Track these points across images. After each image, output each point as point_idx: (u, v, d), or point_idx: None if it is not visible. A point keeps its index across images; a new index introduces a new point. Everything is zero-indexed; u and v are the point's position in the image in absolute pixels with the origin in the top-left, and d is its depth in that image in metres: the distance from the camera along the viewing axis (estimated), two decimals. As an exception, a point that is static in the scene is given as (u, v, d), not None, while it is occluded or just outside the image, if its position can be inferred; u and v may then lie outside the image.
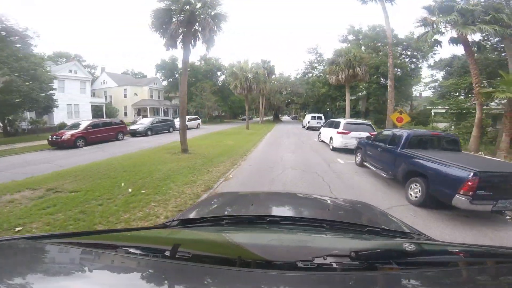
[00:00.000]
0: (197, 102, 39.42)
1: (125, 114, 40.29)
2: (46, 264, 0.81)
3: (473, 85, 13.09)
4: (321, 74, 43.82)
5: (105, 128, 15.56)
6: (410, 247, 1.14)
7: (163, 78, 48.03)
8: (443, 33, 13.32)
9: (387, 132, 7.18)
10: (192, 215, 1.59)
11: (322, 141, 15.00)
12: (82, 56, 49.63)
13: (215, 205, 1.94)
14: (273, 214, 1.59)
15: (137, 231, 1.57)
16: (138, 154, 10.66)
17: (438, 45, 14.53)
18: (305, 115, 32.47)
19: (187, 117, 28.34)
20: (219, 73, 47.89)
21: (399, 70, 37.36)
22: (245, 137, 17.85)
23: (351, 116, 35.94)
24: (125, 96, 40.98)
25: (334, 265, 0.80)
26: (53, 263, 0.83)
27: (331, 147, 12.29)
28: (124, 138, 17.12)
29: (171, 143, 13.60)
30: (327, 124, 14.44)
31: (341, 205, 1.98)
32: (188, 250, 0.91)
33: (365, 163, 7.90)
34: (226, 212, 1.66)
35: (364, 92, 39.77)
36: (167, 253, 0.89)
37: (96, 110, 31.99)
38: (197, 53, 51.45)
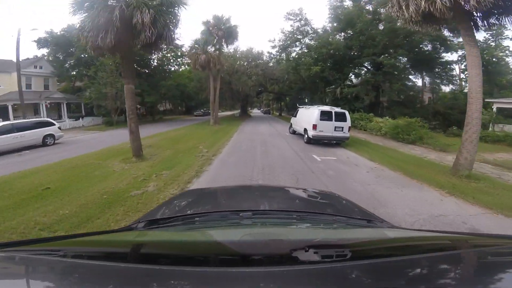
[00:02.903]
0: (95, 90, 21.63)
1: (-28, 117, 23.01)
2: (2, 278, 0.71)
3: None
4: (306, 51, 28.54)
5: None
6: (378, 236, 1.20)
7: (56, 57, 28.75)
8: None
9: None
10: (159, 215, 1.47)
11: None
12: None
13: (184, 203, 1.80)
14: (245, 208, 1.45)
15: (101, 235, 1.43)
16: None
17: None
18: (296, 108, 16.22)
19: None
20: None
21: (427, 43, 23.68)
22: None
23: (354, 110, 21.45)
24: (-29, 89, 23.82)
25: (308, 258, 0.79)
26: (8, 276, 0.72)
27: None
28: None
29: None
30: None
31: (310, 196, 1.96)
32: (158, 252, 0.93)
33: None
34: (196, 210, 1.59)
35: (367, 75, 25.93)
36: (137, 257, 0.86)
37: None
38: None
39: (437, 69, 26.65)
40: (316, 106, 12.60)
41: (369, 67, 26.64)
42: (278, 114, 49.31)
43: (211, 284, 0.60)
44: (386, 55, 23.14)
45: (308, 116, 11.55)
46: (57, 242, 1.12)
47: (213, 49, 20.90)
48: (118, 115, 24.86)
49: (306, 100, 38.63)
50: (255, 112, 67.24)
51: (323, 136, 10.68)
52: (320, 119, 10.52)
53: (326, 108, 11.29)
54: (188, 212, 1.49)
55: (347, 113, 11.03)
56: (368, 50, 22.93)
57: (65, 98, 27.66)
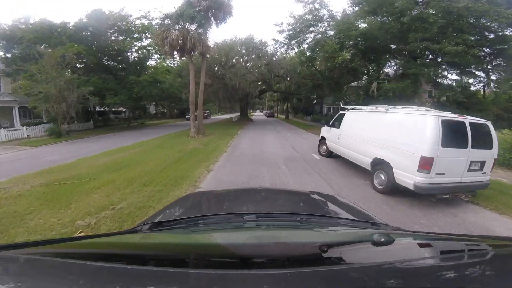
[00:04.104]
0: (24, 89, 15.22)
1: None
2: (5, 279, 0.69)
3: None
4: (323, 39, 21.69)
5: None
6: (383, 238, 1.16)
7: (12, 53, 22.45)
8: None
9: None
10: (164, 218, 1.46)
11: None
12: None
13: (188, 206, 1.81)
14: (249, 211, 1.51)
15: (106, 237, 1.41)
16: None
17: None
18: (341, 110, 7.72)
19: None
20: (129, 39, 23.44)
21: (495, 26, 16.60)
22: None
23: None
24: None
25: (312, 260, 0.77)
26: (13, 278, 0.70)
27: None
28: None
29: None
30: None
31: (313, 198, 1.95)
32: (163, 254, 0.93)
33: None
34: (200, 212, 1.60)
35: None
36: (141, 259, 0.86)
37: None
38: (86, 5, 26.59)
39: (498, 62, 19.87)
40: (408, 107, 5.46)
41: (409, 57, 19.96)
42: (284, 117, 43.01)
43: (215, 286, 0.61)
44: (444, 41, 16.40)
45: (396, 134, 4.70)
46: (62, 244, 1.11)
47: (195, 26, 14.38)
48: (71, 122, 18.62)
49: (315, 101, 32.21)
50: (257, 114, 61.15)
51: (446, 185, 3.98)
52: (444, 145, 3.87)
53: (450, 115, 4.33)
54: (192, 214, 1.47)
55: (490, 126, 4.37)
56: (415, 35, 16.31)
57: (16, 101, 21.45)
